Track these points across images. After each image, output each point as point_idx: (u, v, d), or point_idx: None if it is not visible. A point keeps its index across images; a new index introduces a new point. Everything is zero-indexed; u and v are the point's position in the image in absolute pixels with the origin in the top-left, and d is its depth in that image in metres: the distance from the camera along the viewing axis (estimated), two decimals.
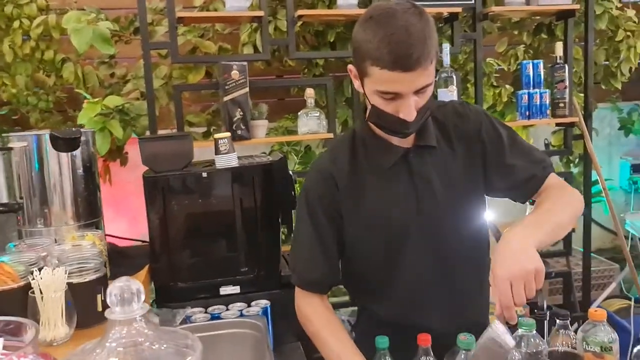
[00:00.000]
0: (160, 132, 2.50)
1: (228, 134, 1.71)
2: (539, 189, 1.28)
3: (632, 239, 3.33)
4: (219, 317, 1.57)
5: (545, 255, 2.94)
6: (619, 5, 2.96)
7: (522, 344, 1.23)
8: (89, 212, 1.66)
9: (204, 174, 1.63)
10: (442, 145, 1.28)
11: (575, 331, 1.32)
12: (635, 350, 1.29)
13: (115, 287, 0.60)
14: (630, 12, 2.93)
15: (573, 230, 2.86)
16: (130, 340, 0.58)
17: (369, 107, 1.18)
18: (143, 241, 1.82)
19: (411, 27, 1.05)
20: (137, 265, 1.69)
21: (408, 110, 1.11)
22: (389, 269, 1.31)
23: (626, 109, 3.73)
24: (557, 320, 1.32)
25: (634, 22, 2.96)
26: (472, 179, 1.30)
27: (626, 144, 3.90)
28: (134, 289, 0.60)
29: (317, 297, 1.34)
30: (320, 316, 1.32)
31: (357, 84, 1.19)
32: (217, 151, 1.69)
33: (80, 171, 1.63)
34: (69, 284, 1.20)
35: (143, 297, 0.61)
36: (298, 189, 3.08)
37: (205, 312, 1.60)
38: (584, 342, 1.30)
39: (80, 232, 1.57)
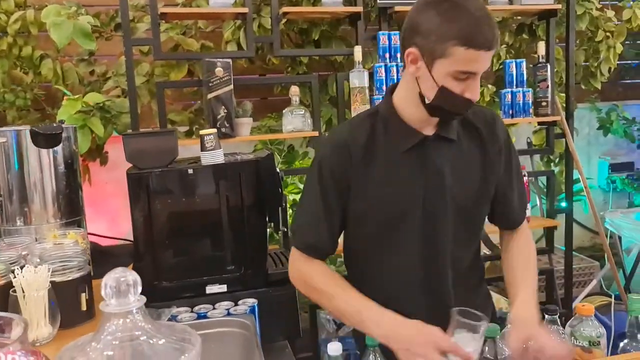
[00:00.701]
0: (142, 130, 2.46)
1: (214, 130, 1.69)
2: (513, 229, 1.43)
3: (611, 236, 3.38)
4: (205, 317, 1.53)
5: None
6: (599, 6, 3.00)
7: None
8: (70, 210, 1.62)
9: (190, 171, 1.60)
10: (462, 143, 1.31)
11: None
12: (620, 344, 1.31)
13: (111, 279, 0.57)
14: (610, 13, 2.98)
15: (555, 228, 2.90)
16: (126, 334, 0.55)
17: (434, 89, 1.18)
18: (127, 240, 1.78)
19: (486, 10, 1.14)
20: (120, 264, 1.62)
21: (475, 90, 1.17)
22: (382, 251, 1.33)
23: (605, 109, 3.79)
24: (546, 315, 1.33)
25: (614, 23, 3.01)
26: (482, 185, 1.33)
27: (605, 143, 3.96)
28: (130, 280, 0.57)
29: (317, 260, 1.34)
30: (325, 273, 1.31)
31: (413, 68, 1.20)
32: (203, 147, 1.66)
33: (61, 168, 1.58)
34: (52, 282, 1.17)
35: (140, 289, 0.59)
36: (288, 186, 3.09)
37: (192, 312, 1.57)
38: (572, 337, 1.31)
39: (62, 231, 1.53)
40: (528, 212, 1.48)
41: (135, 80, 2.48)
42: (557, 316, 1.33)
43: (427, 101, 1.22)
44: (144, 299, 0.59)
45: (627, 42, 3.78)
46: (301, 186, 3.24)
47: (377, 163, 1.28)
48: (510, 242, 1.43)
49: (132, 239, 1.64)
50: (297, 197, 3.18)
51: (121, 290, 0.56)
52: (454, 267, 1.34)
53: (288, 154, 3.19)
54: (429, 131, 1.28)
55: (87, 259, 1.36)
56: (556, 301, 2.95)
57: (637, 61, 3.92)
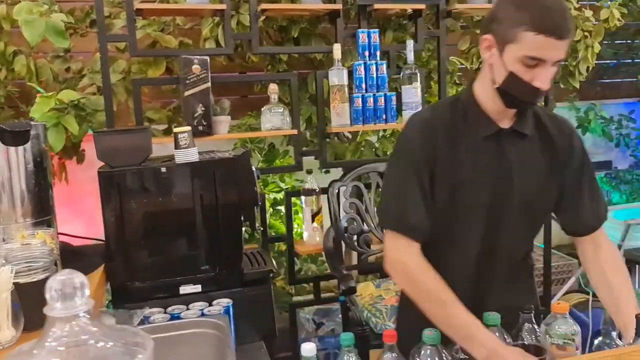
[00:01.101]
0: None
1: (188, 127, 1.66)
2: (589, 233, 1.42)
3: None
4: (179, 317, 1.51)
5: None
6: (577, 5, 3.02)
7: (428, 357, 1.21)
8: (40, 210, 1.57)
9: (163, 169, 1.57)
10: (534, 140, 1.36)
11: (539, 324, 1.34)
12: (595, 342, 1.31)
13: (56, 281, 0.55)
14: (588, 13, 2.99)
15: None
16: (73, 340, 0.53)
17: (504, 75, 1.23)
18: (98, 239, 1.74)
19: (562, 3, 1.21)
20: (91, 264, 1.62)
21: (545, 79, 1.20)
22: (447, 236, 1.36)
23: (583, 108, 3.82)
24: (522, 314, 1.33)
25: (592, 22, 3.02)
26: (546, 185, 1.37)
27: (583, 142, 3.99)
28: (77, 282, 0.55)
29: (416, 248, 1.31)
30: (433, 274, 1.28)
31: (487, 54, 1.27)
32: (177, 146, 1.64)
33: (30, 166, 1.54)
34: (15, 284, 1.13)
35: (87, 292, 0.56)
36: (259, 185, 3.06)
37: (165, 313, 1.55)
38: (547, 335, 1.31)
39: (31, 231, 1.49)
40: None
41: (111, 77, 2.43)
42: (532, 314, 1.34)
43: (495, 85, 1.27)
44: (91, 302, 0.57)
45: (605, 42, 3.82)
46: (282, 185, 3.24)
47: (459, 147, 1.32)
48: (596, 257, 1.41)
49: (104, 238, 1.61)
50: (278, 195, 3.16)
51: (67, 293, 0.54)
52: (507, 260, 1.40)
53: (269, 152, 3.17)
54: (505, 124, 1.33)
55: (54, 259, 1.33)
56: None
57: (614, 61, 3.95)
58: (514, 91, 1.25)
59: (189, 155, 1.63)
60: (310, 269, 3.17)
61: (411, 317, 1.32)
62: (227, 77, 2.86)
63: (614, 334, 1.27)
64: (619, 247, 2.94)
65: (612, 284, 1.37)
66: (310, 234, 2.54)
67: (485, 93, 1.32)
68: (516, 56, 1.20)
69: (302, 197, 2.54)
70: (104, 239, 1.61)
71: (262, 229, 1.72)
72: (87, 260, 1.67)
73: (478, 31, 3.13)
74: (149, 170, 1.58)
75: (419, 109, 2.55)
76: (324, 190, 2.49)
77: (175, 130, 1.63)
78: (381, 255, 2.67)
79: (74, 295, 0.54)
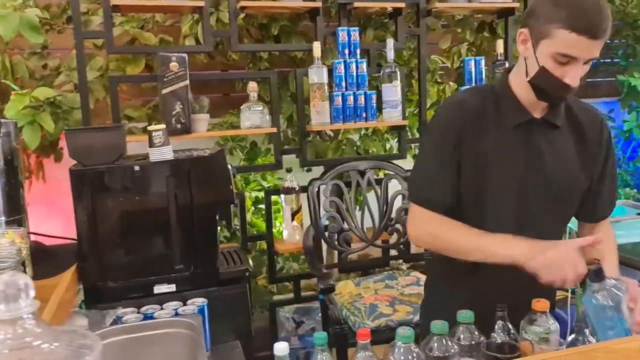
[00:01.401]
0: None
1: (163, 125, 1.64)
2: (598, 221, 1.48)
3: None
4: (152, 317, 1.50)
5: None
6: None
7: (461, 335, 1.24)
8: (11, 209, 1.55)
9: (136, 168, 1.56)
10: (565, 132, 1.38)
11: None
12: (569, 338, 1.32)
13: None
14: None
15: None
16: (17, 342, 0.51)
17: (535, 69, 1.27)
18: (71, 239, 1.72)
19: (601, 3, 1.20)
20: (63, 264, 1.59)
21: (575, 76, 1.22)
22: (477, 222, 1.36)
23: None
24: (496, 312, 1.34)
25: None
26: (577, 175, 1.40)
27: (611, 132, 4.01)
28: (20, 284, 0.54)
29: (437, 215, 1.36)
30: (456, 223, 1.34)
31: (522, 48, 1.30)
32: (151, 144, 1.62)
33: (0, 165, 1.52)
34: None
35: (32, 293, 0.55)
36: (241, 183, 3.05)
37: (138, 312, 1.53)
38: (523, 332, 1.32)
39: (1, 230, 1.46)
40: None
41: (89, 74, 2.40)
42: (505, 312, 1.34)
43: (527, 78, 1.30)
44: (36, 303, 0.55)
45: None
46: (264, 184, 3.23)
47: (488, 132, 1.35)
48: (591, 232, 1.48)
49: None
50: (260, 194, 3.14)
51: (10, 294, 0.53)
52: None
53: (250, 150, 3.15)
54: (538, 114, 1.36)
55: (22, 259, 1.31)
56: None
57: (595, 60, 3.98)
58: (544, 85, 1.28)
59: (164, 153, 1.61)
60: (292, 268, 3.16)
61: (435, 311, 1.35)
62: (207, 75, 2.84)
63: (587, 331, 1.28)
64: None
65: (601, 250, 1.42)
66: (290, 232, 2.53)
67: (519, 83, 1.35)
68: (549, 52, 1.23)
69: (282, 196, 2.53)
70: (76, 238, 1.59)
71: (238, 227, 1.70)
72: (58, 260, 1.65)
73: (459, 30, 3.14)
74: (122, 168, 1.56)
75: (399, 107, 2.56)
76: (305, 189, 2.48)
77: (150, 128, 1.61)
78: (361, 253, 2.69)
79: (17, 297, 0.53)
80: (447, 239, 1.35)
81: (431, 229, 1.37)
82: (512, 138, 1.35)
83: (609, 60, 3.93)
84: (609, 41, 3.90)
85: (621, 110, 3.89)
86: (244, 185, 3.12)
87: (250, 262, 1.79)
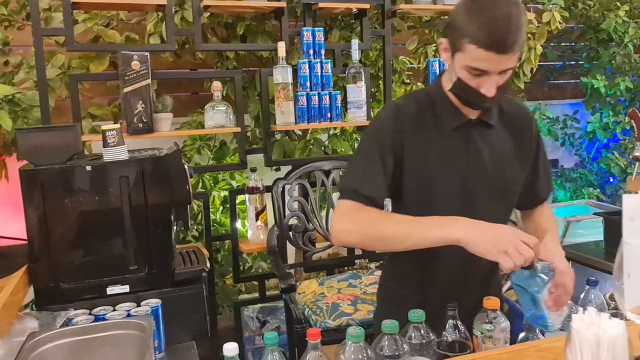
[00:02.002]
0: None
1: (117, 125, 1.63)
2: (537, 207, 1.53)
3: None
4: (104, 319, 1.48)
5: None
6: None
7: (413, 335, 1.26)
8: None
9: (88, 168, 1.54)
10: (499, 130, 1.42)
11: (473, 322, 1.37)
12: (521, 335, 1.35)
13: None
14: (531, 15, 3.06)
15: None
16: None
17: (454, 78, 1.30)
18: (21, 239, 1.70)
19: (511, 16, 1.19)
20: (14, 265, 1.57)
21: (490, 87, 1.25)
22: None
23: (530, 108, 3.91)
24: (446, 311, 1.36)
25: (535, 25, 3.10)
26: (515, 171, 1.43)
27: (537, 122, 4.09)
28: None
29: (365, 205, 1.33)
30: (378, 211, 1.33)
31: (444, 56, 1.33)
32: (105, 144, 1.60)
33: None
34: None
35: None
36: (209, 182, 3.04)
37: (90, 314, 1.52)
38: (474, 329, 1.35)
39: None
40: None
41: (49, 72, 2.37)
42: (456, 311, 1.36)
43: (448, 87, 1.34)
44: None
45: (551, 44, 3.93)
46: (233, 183, 3.22)
47: (427, 137, 1.36)
48: (531, 213, 1.54)
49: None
50: (228, 194, 3.14)
51: None
52: None
53: (219, 149, 3.14)
54: (473, 115, 1.38)
55: None
56: None
57: (560, 62, 4.06)
58: (462, 94, 1.31)
59: (118, 153, 1.60)
60: (261, 267, 3.16)
61: (387, 310, 1.38)
62: (172, 73, 2.83)
63: (537, 329, 1.31)
64: (560, 243, 3.03)
65: (540, 225, 1.49)
66: (254, 232, 2.53)
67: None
68: (462, 64, 1.25)
69: (246, 195, 2.53)
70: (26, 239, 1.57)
71: (194, 228, 1.70)
72: (9, 261, 1.62)
73: (427, 31, 3.17)
74: (73, 168, 1.54)
75: (364, 108, 2.57)
76: (270, 189, 2.48)
77: (103, 127, 1.60)
78: (331, 252, 2.70)
79: None
80: (376, 226, 1.29)
81: (358, 219, 1.30)
82: (452, 141, 1.37)
83: (574, 62, 4.01)
84: (573, 44, 4.02)
85: (585, 112, 3.98)
86: (212, 184, 3.11)
87: (207, 262, 1.78)
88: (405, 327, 1.27)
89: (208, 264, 1.77)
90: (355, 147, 3.13)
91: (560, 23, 3.05)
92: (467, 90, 1.29)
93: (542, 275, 1.23)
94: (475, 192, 1.39)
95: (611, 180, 3.94)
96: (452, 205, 1.37)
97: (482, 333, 1.34)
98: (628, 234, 0.75)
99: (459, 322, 1.36)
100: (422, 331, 1.28)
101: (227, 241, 2.93)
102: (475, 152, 1.38)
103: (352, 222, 1.31)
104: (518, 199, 1.50)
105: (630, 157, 2.77)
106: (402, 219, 1.29)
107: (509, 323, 1.33)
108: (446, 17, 3.01)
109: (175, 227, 1.71)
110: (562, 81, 4.12)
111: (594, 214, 2.87)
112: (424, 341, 1.26)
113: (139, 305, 1.56)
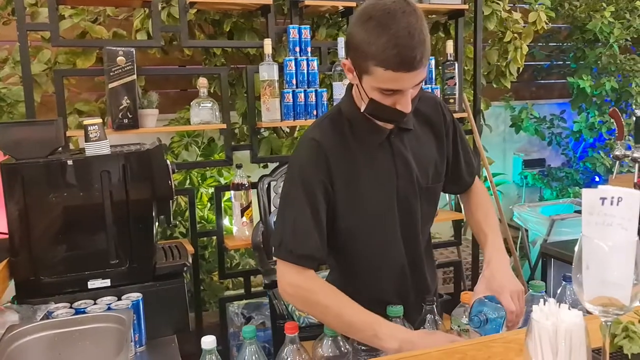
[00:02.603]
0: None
1: (99, 120, 1.63)
2: (467, 190, 1.55)
3: (519, 229, 3.53)
4: (84, 312, 1.49)
5: (437, 245, 3.06)
6: (507, 8, 3.11)
7: None
8: None
9: (70, 162, 1.54)
10: (417, 130, 1.40)
11: (451, 316, 1.39)
12: (503, 329, 1.37)
13: None
14: (517, 15, 3.09)
15: (462, 221, 3.00)
16: None
17: (366, 100, 1.23)
18: (2, 233, 1.70)
19: (412, 29, 1.11)
20: None
21: (406, 104, 1.20)
22: (368, 243, 1.37)
23: (518, 108, 3.94)
24: (424, 305, 1.38)
25: (520, 24, 3.12)
26: (438, 164, 1.43)
27: (518, 140, 4.12)
28: None
29: (312, 271, 1.30)
30: (326, 287, 1.30)
31: (350, 76, 1.26)
32: (87, 138, 1.61)
33: None
34: None
35: None
36: (195, 179, 3.04)
37: (70, 307, 1.52)
38: (451, 322, 1.37)
39: None
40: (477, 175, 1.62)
41: (35, 67, 2.37)
42: (434, 305, 1.39)
43: (362, 109, 1.27)
44: None
45: (539, 44, 3.96)
46: (221, 180, 3.23)
47: (354, 162, 1.32)
48: (467, 201, 1.57)
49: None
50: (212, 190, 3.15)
51: None
52: (425, 244, 1.47)
53: (207, 146, 3.15)
54: (391, 125, 1.33)
55: None
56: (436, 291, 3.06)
57: (548, 62, 4.09)
58: (378, 114, 1.26)
59: (100, 148, 1.61)
60: (248, 263, 3.17)
61: None
62: (159, 69, 2.83)
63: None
64: (544, 241, 3.06)
65: (477, 219, 1.51)
66: (239, 228, 2.54)
67: (361, 103, 1.31)
68: (373, 87, 1.19)
69: (232, 192, 2.54)
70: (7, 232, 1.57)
71: (177, 223, 1.71)
72: None
73: None
74: (54, 163, 1.55)
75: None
76: (255, 185, 2.49)
77: (85, 122, 1.60)
78: None
79: None
80: (322, 312, 1.27)
81: (311, 294, 1.28)
82: (379, 157, 1.34)
83: (561, 62, 4.04)
84: (560, 44, 4.05)
85: (572, 112, 4.01)
86: (200, 181, 3.12)
87: (190, 258, 1.79)
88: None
89: (190, 259, 1.78)
90: None
91: (546, 23, 3.08)
92: (382, 110, 1.23)
93: (493, 323, 1.27)
94: (409, 200, 1.37)
95: (597, 179, 3.98)
96: (391, 219, 1.36)
97: (459, 326, 1.37)
98: (587, 228, 0.76)
99: (437, 317, 1.39)
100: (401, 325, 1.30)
101: (214, 237, 2.94)
102: (403, 162, 1.35)
103: (296, 298, 1.31)
104: (445, 187, 1.51)
105: (611, 156, 2.80)
106: (346, 311, 1.25)
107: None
108: (434, 15, 3.03)
109: (157, 222, 1.72)
110: (549, 81, 4.15)
111: (576, 211, 2.90)
112: None
113: (119, 299, 1.57)
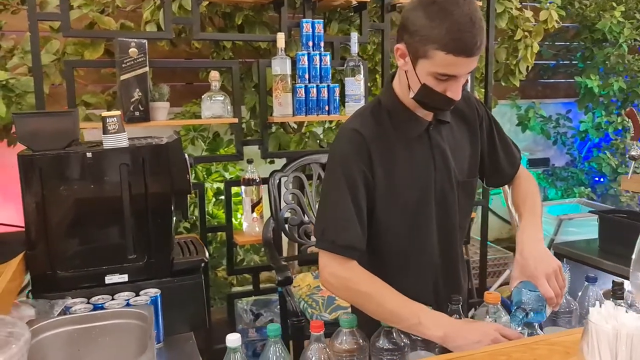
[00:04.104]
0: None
1: (118, 112, 1.60)
2: (510, 181, 1.53)
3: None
4: (102, 308, 1.46)
5: None
6: (519, 5, 3.09)
7: None
8: None
9: (89, 154, 1.51)
10: (452, 123, 1.41)
11: (473, 316, 1.38)
12: (518, 329, 1.36)
13: None
14: (528, 13, 3.07)
15: (472, 220, 2.98)
16: None
17: (417, 85, 1.24)
18: (18, 226, 1.67)
19: (474, 16, 1.15)
20: (11, 252, 1.54)
21: (457, 90, 1.23)
22: (405, 235, 1.37)
23: (524, 107, 3.93)
24: (450, 305, 1.37)
25: (532, 22, 3.11)
26: (472, 157, 1.44)
27: (524, 139, 4.12)
28: None
29: (351, 263, 1.30)
30: (369, 276, 1.29)
31: (401, 62, 1.26)
32: (105, 131, 1.58)
33: None
34: None
35: None
36: (202, 174, 3.01)
37: (88, 303, 1.50)
38: None
39: None
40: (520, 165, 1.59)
41: (44, 58, 2.33)
42: (459, 305, 1.37)
43: (410, 95, 1.28)
44: None
45: (546, 43, 3.95)
46: (226, 175, 3.20)
47: (394, 152, 1.33)
48: (512, 191, 1.54)
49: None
50: (221, 185, 3.11)
51: None
52: (459, 237, 1.47)
53: (212, 141, 3.12)
54: (429, 117, 1.35)
55: None
56: (471, 290, 3.04)
57: (554, 62, 4.08)
58: (428, 101, 1.27)
59: (118, 140, 1.57)
60: (253, 260, 3.15)
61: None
62: (168, 62, 2.79)
63: (536, 324, 1.32)
64: (552, 241, 3.06)
65: (516, 204, 1.50)
66: (249, 224, 2.52)
67: (405, 94, 1.32)
68: (428, 71, 1.20)
69: (242, 187, 2.51)
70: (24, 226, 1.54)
71: (193, 218, 1.68)
72: (5, 247, 1.59)
73: None
74: (73, 155, 1.51)
75: (362, 101, 2.56)
76: (266, 181, 2.47)
77: (104, 114, 1.57)
78: None
79: None
80: (363, 300, 1.29)
81: (353, 283, 1.29)
82: (417, 149, 1.35)
83: (568, 62, 4.04)
84: (567, 43, 4.04)
85: (578, 111, 4.01)
86: (205, 176, 3.09)
87: (207, 253, 1.77)
88: None
89: (207, 255, 1.75)
90: None
91: (557, 22, 3.07)
92: (433, 96, 1.24)
93: (535, 316, 1.27)
94: (447, 194, 1.38)
95: (602, 179, 3.98)
96: (427, 211, 1.37)
97: None
98: None
99: (463, 316, 1.37)
100: None
101: (219, 233, 2.91)
102: (441, 155, 1.37)
103: (339, 287, 1.31)
104: (488, 180, 1.53)
105: (627, 156, 2.80)
106: (390, 299, 1.25)
107: (509, 317, 1.34)
108: None
109: (174, 217, 1.69)
110: (555, 80, 4.15)
111: (590, 212, 2.89)
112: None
113: (137, 295, 1.54)
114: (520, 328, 1.25)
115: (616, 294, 1.36)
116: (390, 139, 1.33)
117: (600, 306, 0.77)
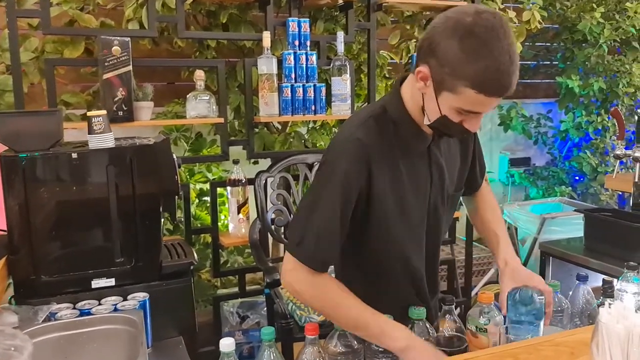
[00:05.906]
0: None
1: (104, 111, 1.56)
2: (478, 190, 1.55)
3: (509, 228, 3.55)
4: (89, 313, 1.42)
5: None
6: (502, 6, 3.11)
7: (414, 331, 1.25)
8: None
9: (74, 155, 1.47)
10: (446, 138, 1.36)
11: (459, 315, 1.38)
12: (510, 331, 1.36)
13: None
14: (512, 14, 3.09)
15: (457, 219, 2.99)
16: None
17: (436, 115, 1.17)
18: (1, 230, 1.61)
19: (512, 51, 1.06)
20: None
21: (476, 125, 1.18)
22: (406, 246, 1.35)
23: (506, 107, 3.97)
24: (443, 306, 1.36)
25: (515, 23, 3.13)
26: (461, 171, 1.44)
27: (505, 139, 4.15)
28: None
29: (325, 273, 1.27)
30: (338, 286, 1.27)
31: (420, 85, 1.16)
32: (91, 130, 1.53)
33: None
34: None
35: None
36: (185, 175, 2.97)
37: (74, 308, 1.45)
38: (467, 322, 1.35)
39: None
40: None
41: (22, 56, 2.26)
42: (453, 306, 1.37)
43: (426, 121, 1.22)
44: None
45: (526, 44, 3.99)
46: (209, 175, 3.15)
47: (394, 163, 1.27)
48: (475, 200, 1.57)
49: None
50: (205, 186, 3.07)
51: None
52: (441, 241, 1.49)
53: (195, 141, 3.07)
54: (429, 130, 1.28)
55: None
56: (456, 290, 3.06)
57: (535, 62, 4.13)
58: (444, 129, 1.22)
59: (104, 140, 1.53)
60: (237, 261, 3.11)
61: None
62: (152, 61, 2.73)
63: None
64: (535, 240, 3.09)
65: (487, 218, 1.53)
66: (235, 225, 2.48)
67: (414, 107, 1.25)
68: (452, 105, 1.13)
69: (228, 188, 2.48)
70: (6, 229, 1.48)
71: (182, 220, 1.64)
72: None
73: (408, 27, 3.16)
74: (58, 155, 1.47)
75: (348, 101, 2.55)
76: (251, 181, 2.43)
77: (89, 114, 1.52)
78: None
79: None
80: (332, 307, 1.26)
81: (321, 292, 1.25)
82: (418, 163, 1.32)
83: (548, 62, 4.09)
84: (548, 44, 4.09)
85: (558, 111, 4.06)
86: (188, 176, 3.04)
87: (195, 255, 1.73)
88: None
89: (196, 257, 1.71)
90: None
91: (539, 22, 3.09)
92: (450, 127, 1.19)
93: (537, 303, 1.28)
94: (438, 207, 1.38)
95: (582, 179, 4.04)
96: (421, 223, 1.36)
97: (476, 327, 1.35)
98: None
99: (456, 318, 1.36)
100: (423, 328, 1.28)
101: (202, 235, 2.87)
102: (438, 170, 1.35)
103: (307, 295, 1.27)
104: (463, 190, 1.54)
105: (612, 155, 2.84)
106: (355, 308, 1.23)
107: (502, 317, 1.33)
108: (429, 12, 3.01)
109: (162, 219, 1.65)
110: (535, 80, 4.19)
111: (575, 210, 2.92)
112: (424, 338, 1.26)
113: (125, 299, 1.50)
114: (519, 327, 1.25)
115: (606, 292, 1.37)
116: (394, 152, 1.27)
117: (610, 306, 0.76)
